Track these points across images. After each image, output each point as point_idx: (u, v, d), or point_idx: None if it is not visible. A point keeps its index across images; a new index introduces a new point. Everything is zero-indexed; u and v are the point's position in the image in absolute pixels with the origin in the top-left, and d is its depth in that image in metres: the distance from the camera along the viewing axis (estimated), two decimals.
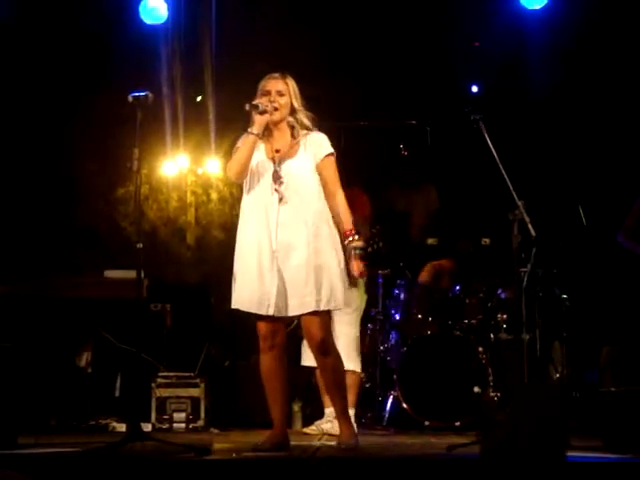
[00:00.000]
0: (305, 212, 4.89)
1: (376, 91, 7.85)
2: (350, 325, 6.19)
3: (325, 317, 4.95)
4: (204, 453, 4.71)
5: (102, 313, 6.54)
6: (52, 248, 7.46)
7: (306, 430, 6.22)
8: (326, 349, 4.95)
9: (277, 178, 4.90)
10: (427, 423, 6.42)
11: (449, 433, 6.19)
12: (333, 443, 5.49)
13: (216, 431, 6.47)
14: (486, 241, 6.83)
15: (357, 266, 4.90)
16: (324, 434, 6.01)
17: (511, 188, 5.25)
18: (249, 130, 4.94)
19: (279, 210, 4.88)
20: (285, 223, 4.87)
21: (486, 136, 5.30)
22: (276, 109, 4.95)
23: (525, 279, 5.44)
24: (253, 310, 4.91)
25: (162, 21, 7.52)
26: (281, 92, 4.96)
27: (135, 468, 4.39)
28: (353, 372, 6.11)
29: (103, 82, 7.42)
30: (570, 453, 4.80)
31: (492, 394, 6.49)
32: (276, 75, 5.01)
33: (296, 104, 4.98)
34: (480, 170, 6.44)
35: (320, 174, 4.95)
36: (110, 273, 6.68)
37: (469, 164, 7.44)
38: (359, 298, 6.24)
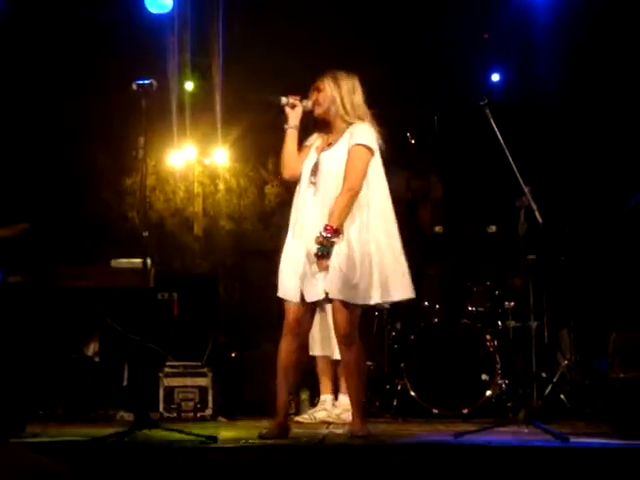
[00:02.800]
0: (332, 202, 4.94)
1: (383, 79, 7.83)
2: None
3: (351, 308, 4.96)
4: (211, 441, 4.72)
5: (109, 302, 6.54)
6: (59, 238, 7.47)
7: (298, 419, 6.23)
8: (348, 342, 4.99)
9: (315, 170, 5.00)
10: (435, 411, 6.41)
11: (457, 421, 6.19)
12: (340, 431, 5.52)
13: (224, 420, 6.48)
14: (492, 228, 6.83)
15: (317, 263, 4.90)
16: (329, 423, 6.02)
17: (518, 175, 5.23)
18: (284, 126, 5.05)
19: (311, 201, 4.98)
20: (314, 213, 4.96)
21: (492, 122, 5.27)
22: (316, 104, 5.08)
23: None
24: (285, 297, 5.02)
25: (167, 10, 7.50)
26: (319, 88, 5.09)
27: (143, 456, 4.40)
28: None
29: (109, 72, 7.41)
30: (579, 439, 4.84)
31: (500, 382, 6.48)
32: (325, 75, 5.11)
33: (339, 99, 5.04)
34: (487, 157, 6.42)
35: (346, 161, 4.96)
36: (116, 262, 6.67)
37: (476, 151, 7.42)
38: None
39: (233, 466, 4.28)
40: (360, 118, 5.03)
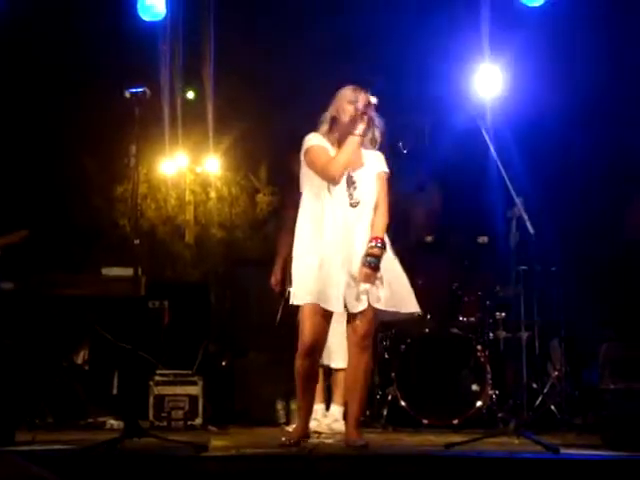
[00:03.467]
0: (370, 218, 5.05)
1: (374, 88, 7.84)
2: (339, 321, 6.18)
3: (376, 315, 5.05)
4: (201, 450, 4.70)
5: (100, 310, 6.54)
6: (50, 245, 7.45)
7: (289, 428, 6.22)
8: (367, 345, 5.05)
9: (350, 184, 5.05)
10: (425, 421, 6.40)
11: (447, 431, 6.18)
12: (331, 440, 5.51)
13: (214, 429, 6.46)
14: (484, 239, 6.84)
15: (362, 272, 4.93)
16: (320, 433, 6.01)
17: (509, 185, 5.24)
18: (355, 132, 5.03)
19: (352, 213, 5.02)
20: (356, 224, 5.02)
21: (484, 133, 5.28)
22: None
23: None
24: (324, 306, 4.96)
25: (160, 18, 7.50)
26: (374, 107, 5.09)
27: (133, 464, 4.38)
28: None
29: (102, 79, 7.40)
30: (570, 450, 4.84)
31: (490, 392, 6.48)
32: (362, 89, 5.13)
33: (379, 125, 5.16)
34: (479, 168, 6.42)
35: (377, 184, 5.12)
36: (107, 270, 6.66)
37: (468, 162, 7.42)
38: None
39: (223, 475, 4.27)
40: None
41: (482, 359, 6.51)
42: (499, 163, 5.25)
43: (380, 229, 5.03)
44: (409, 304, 5.07)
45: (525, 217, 5.23)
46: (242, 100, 7.93)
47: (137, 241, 5.00)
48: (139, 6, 7.47)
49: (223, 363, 7.25)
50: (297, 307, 5.11)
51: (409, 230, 7.53)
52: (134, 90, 4.95)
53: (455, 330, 6.68)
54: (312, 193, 5.07)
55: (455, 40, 7.61)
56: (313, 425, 6.11)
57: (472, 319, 6.81)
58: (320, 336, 5.02)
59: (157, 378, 6.59)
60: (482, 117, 5.35)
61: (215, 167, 8.38)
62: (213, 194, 8.48)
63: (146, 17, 7.49)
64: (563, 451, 4.74)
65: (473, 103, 7.26)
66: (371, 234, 4.99)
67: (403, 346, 6.64)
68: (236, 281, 7.86)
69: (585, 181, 7.46)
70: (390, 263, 5.03)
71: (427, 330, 6.72)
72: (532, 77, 7.50)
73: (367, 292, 4.95)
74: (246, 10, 7.72)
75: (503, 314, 6.72)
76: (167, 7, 7.48)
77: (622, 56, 7.30)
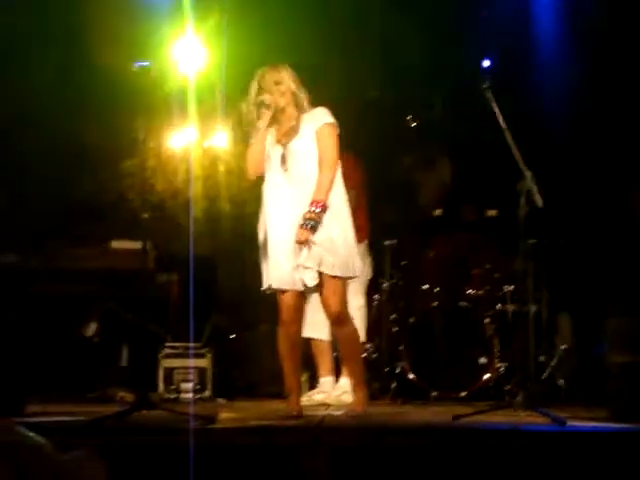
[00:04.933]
0: (309, 191, 5.01)
1: (385, 63, 7.82)
2: (351, 295, 6.19)
3: (342, 284, 5.06)
4: (210, 422, 4.73)
5: (109, 283, 6.56)
6: (59, 219, 7.46)
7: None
8: (342, 320, 5.10)
9: (284, 160, 5.07)
10: (433, 394, 6.43)
11: (455, 403, 6.21)
12: (339, 412, 5.53)
13: (223, 401, 6.50)
14: (493, 212, 6.83)
15: (300, 234, 4.94)
16: (328, 405, 6.04)
17: (519, 159, 5.22)
18: (258, 125, 5.07)
19: (290, 190, 5.04)
20: (296, 202, 5.01)
21: (494, 106, 5.26)
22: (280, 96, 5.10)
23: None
24: (285, 287, 5.02)
25: None
26: (278, 81, 5.11)
27: (142, 436, 4.42)
28: None
29: (108, 52, 7.37)
30: (577, 423, 4.86)
31: (498, 365, 6.49)
32: (267, 69, 5.16)
33: (295, 87, 5.12)
34: (488, 141, 6.40)
35: (317, 142, 5.06)
36: (116, 244, 6.69)
37: (477, 135, 7.40)
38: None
39: (231, 448, 4.30)
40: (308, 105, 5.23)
41: (490, 332, 6.52)
42: (508, 135, 5.22)
43: (322, 191, 4.96)
44: (356, 268, 5.09)
45: (534, 190, 5.21)
46: (254, 71, 7.88)
47: (146, 215, 5.02)
48: None
49: (232, 336, 7.27)
50: None
51: (418, 204, 7.53)
52: (141, 63, 4.95)
53: (463, 303, 6.69)
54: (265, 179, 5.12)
55: (462, 10, 7.60)
56: (321, 397, 6.16)
57: (480, 292, 6.80)
58: (295, 309, 5.07)
59: (166, 351, 6.62)
60: (491, 90, 5.30)
61: (224, 141, 8.35)
62: (222, 168, 8.46)
63: None
64: (570, 424, 4.76)
65: (482, 76, 7.22)
66: (312, 197, 4.96)
67: (411, 319, 6.65)
68: (243, 255, 7.86)
69: (595, 155, 7.43)
70: (328, 230, 4.97)
71: (435, 303, 6.72)
72: (543, 47, 7.48)
73: (316, 262, 4.92)
74: None
75: (511, 287, 6.71)
76: None
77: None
